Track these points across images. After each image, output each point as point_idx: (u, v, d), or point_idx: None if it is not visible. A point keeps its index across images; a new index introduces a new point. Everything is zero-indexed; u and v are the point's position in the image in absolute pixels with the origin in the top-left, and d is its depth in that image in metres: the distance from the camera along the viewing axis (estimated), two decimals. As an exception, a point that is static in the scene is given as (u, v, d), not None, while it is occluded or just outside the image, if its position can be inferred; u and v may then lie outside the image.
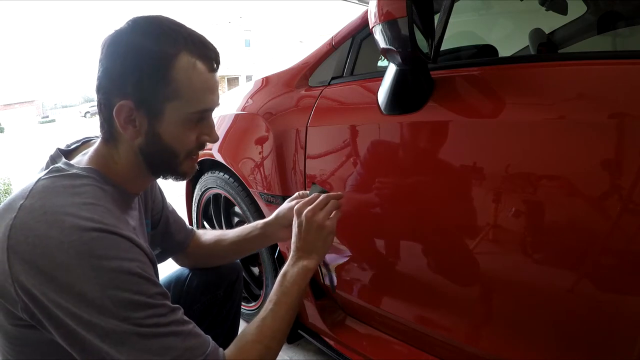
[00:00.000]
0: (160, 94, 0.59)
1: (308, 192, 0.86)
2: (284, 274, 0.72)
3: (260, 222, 0.91)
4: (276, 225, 0.88)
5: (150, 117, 0.60)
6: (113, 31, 0.59)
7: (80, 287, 0.50)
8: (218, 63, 0.64)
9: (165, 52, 0.57)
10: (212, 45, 0.63)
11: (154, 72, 0.57)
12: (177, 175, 0.68)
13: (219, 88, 0.66)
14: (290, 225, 0.79)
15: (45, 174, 0.59)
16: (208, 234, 0.96)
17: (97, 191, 0.58)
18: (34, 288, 0.51)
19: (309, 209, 0.75)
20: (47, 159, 0.66)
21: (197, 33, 0.62)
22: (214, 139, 0.68)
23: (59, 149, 0.67)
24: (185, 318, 0.59)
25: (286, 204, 0.88)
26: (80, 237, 0.51)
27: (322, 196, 0.78)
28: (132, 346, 0.52)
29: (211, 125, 0.67)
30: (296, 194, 0.89)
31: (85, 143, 0.70)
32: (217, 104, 0.66)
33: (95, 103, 0.63)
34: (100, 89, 0.60)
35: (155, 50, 0.57)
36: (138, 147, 0.62)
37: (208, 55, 0.62)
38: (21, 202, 0.54)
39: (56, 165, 0.61)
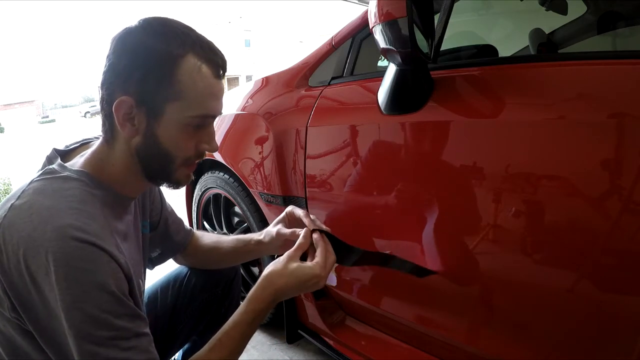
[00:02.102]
0: (163, 93, 0.58)
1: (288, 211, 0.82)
2: (260, 308, 0.65)
3: (254, 239, 0.88)
4: (270, 245, 0.85)
5: (149, 116, 0.59)
6: (123, 28, 0.59)
7: (54, 295, 0.50)
8: (224, 70, 0.63)
9: (172, 52, 0.57)
10: (220, 52, 0.62)
11: (159, 70, 0.57)
12: (171, 183, 0.67)
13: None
14: (283, 244, 0.77)
15: (38, 176, 0.59)
16: (206, 238, 0.95)
17: (85, 195, 0.58)
18: (18, 287, 0.52)
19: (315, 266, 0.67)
20: (43, 159, 0.65)
21: (206, 38, 0.62)
22: (213, 149, 0.66)
23: (55, 149, 0.66)
24: (150, 348, 0.57)
25: (273, 228, 0.83)
26: (60, 245, 0.50)
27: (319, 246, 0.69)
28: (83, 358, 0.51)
29: (211, 134, 0.65)
30: (283, 213, 0.83)
31: (84, 144, 0.70)
32: (220, 112, 0.64)
33: (96, 103, 0.63)
34: (104, 84, 0.59)
35: (162, 49, 0.57)
36: (135, 149, 0.61)
37: (215, 60, 0.61)
38: (12, 202, 0.55)
39: (50, 166, 0.61)
